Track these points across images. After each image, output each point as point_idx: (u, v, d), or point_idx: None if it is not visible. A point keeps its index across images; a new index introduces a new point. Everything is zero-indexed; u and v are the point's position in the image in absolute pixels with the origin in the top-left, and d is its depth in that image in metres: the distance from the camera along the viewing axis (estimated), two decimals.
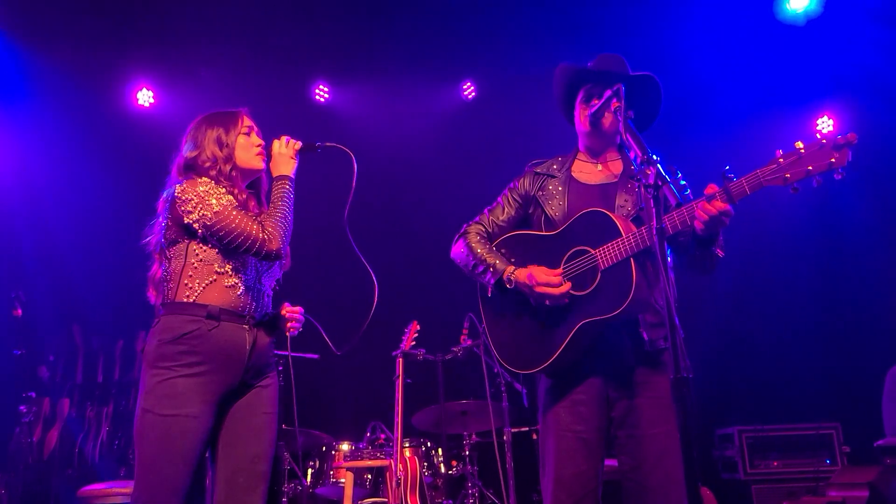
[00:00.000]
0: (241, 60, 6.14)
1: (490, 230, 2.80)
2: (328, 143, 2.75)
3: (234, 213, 2.44)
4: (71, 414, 5.60)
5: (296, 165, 2.67)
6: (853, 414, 5.36)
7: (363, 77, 6.46)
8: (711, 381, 5.52)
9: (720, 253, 2.46)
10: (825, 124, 6.30)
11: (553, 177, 2.74)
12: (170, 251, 2.49)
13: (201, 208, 2.43)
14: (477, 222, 2.83)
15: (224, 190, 2.50)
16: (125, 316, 5.74)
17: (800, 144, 2.11)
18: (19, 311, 5.01)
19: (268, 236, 2.45)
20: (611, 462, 2.53)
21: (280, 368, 4.73)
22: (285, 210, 2.54)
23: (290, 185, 2.61)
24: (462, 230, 2.84)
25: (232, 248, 2.44)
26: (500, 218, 2.81)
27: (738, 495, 5.32)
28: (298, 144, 2.69)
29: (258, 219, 2.50)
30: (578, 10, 5.84)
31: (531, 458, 4.80)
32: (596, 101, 2.58)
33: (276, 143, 2.68)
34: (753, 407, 5.88)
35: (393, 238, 6.44)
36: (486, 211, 2.85)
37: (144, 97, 6.26)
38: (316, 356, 4.68)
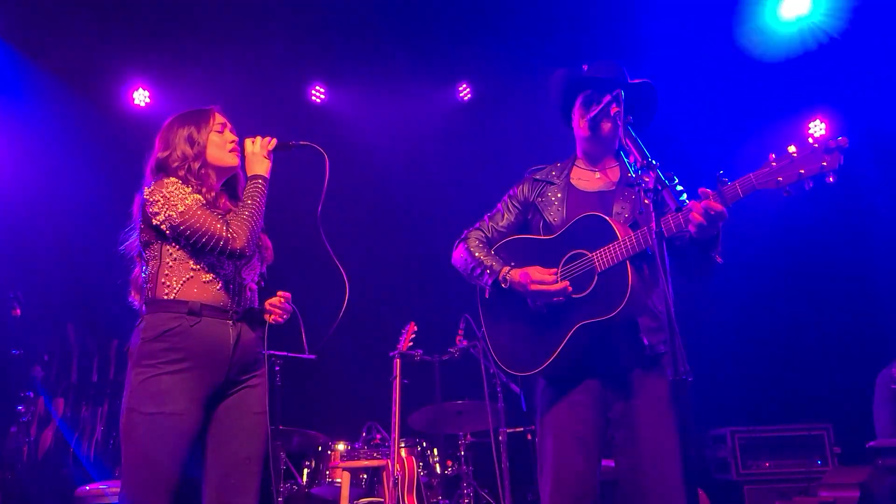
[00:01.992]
0: (237, 60, 6.14)
1: (490, 235, 2.84)
2: (302, 142, 2.74)
3: (200, 212, 2.44)
4: (66, 413, 5.60)
5: (270, 164, 2.66)
6: (844, 415, 5.40)
7: (359, 78, 6.47)
8: (704, 381, 5.54)
9: (719, 259, 2.49)
10: (818, 128, 6.36)
11: (552, 184, 2.78)
12: (146, 253, 2.51)
13: (167, 209, 2.43)
14: (477, 228, 2.88)
15: (190, 189, 2.50)
16: (120, 315, 5.72)
17: (792, 148, 2.14)
18: (18, 311, 5.02)
19: (232, 235, 2.44)
20: (608, 462, 2.56)
21: (277, 368, 4.78)
22: (253, 208, 2.53)
23: (262, 184, 2.60)
24: (463, 235, 2.89)
25: (198, 247, 2.43)
26: (500, 224, 2.85)
27: (731, 496, 5.35)
28: (273, 143, 2.68)
29: (226, 217, 2.50)
30: (574, 13, 5.87)
31: (526, 458, 4.82)
32: (595, 107, 2.62)
33: (248, 142, 2.67)
34: (746, 408, 5.93)
35: (390, 239, 6.46)
36: (486, 217, 2.90)
37: (140, 97, 6.26)
38: (313, 356, 4.71)
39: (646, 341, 2.50)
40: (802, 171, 2.11)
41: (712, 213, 2.23)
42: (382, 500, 4.10)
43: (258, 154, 2.64)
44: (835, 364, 5.94)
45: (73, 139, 5.98)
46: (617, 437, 2.52)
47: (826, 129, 6.32)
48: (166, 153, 2.59)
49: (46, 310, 5.79)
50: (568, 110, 2.81)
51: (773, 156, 2.17)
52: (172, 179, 2.51)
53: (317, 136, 6.72)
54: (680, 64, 5.93)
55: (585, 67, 2.78)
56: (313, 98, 6.55)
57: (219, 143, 2.64)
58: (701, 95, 6.01)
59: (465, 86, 6.63)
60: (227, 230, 2.44)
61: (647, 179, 2.03)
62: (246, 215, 2.50)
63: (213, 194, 2.55)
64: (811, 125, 6.37)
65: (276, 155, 2.71)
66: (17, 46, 5.78)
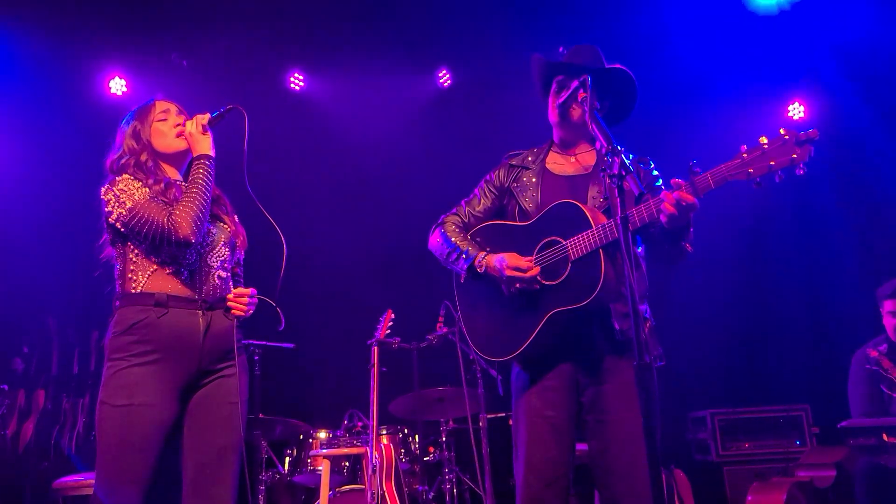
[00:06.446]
0: (215, 48, 6.08)
1: (466, 220, 2.85)
2: (229, 106, 2.66)
3: (146, 206, 2.42)
4: (46, 406, 5.57)
5: (210, 139, 2.61)
6: (823, 395, 5.46)
7: (338, 64, 6.43)
8: (684, 365, 5.61)
9: (689, 248, 2.50)
10: (796, 110, 6.38)
11: (527, 168, 2.78)
12: (114, 252, 2.52)
13: (117, 207, 2.43)
14: (454, 213, 2.88)
15: (140, 183, 2.49)
16: (100, 307, 5.68)
17: (763, 140, 2.14)
18: None
19: (174, 225, 2.39)
20: (582, 446, 2.59)
21: (256, 358, 4.78)
22: (195, 193, 2.47)
23: (206, 163, 2.55)
24: (439, 220, 2.90)
25: (148, 241, 2.42)
26: (477, 209, 2.85)
27: (711, 476, 5.41)
28: (206, 117, 2.63)
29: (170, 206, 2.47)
30: None
31: (507, 443, 4.82)
32: (564, 92, 2.62)
33: (187, 125, 2.62)
34: (725, 390, 5.99)
35: (368, 226, 6.45)
36: (462, 202, 2.90)
37: (117, 86, 6.17)
38: (292, 345, 4.71)
39: (616, 326, 2.51)
40: (773, 164, 2.11)
41: (684, 203, 2.24)
42: (363, 487, 4.11)
43: (195, 134, 2.60)
44: (813, 345, 6.01)
45: (49, 128, 5.89)
46: (588, 420, 2.54)
47: (805, 112, 6.35)
48: (116, 155, 2.61)
49: (26, 301, 5.74)
50: (546, 96, 2.81)
51: (745, 147, 2.17)
52: (125, 176, 2.50)
53: (297, 123, 6.69)
54: (660, 46, 5.93)
55: (562, 50, 2.78)
56: (292, 86, 6.49)
57: (163, 131, 2.62)
58: (679, 78, 6.02)
59: (444, 72, 6.60)
60: (169, 220, 2.40)
61: (612, 162, 2.02)
62: (187, 202, 2.45)
63: (161, 185, 2.52)
64: (790, 108, 6.40)
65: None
66: None
